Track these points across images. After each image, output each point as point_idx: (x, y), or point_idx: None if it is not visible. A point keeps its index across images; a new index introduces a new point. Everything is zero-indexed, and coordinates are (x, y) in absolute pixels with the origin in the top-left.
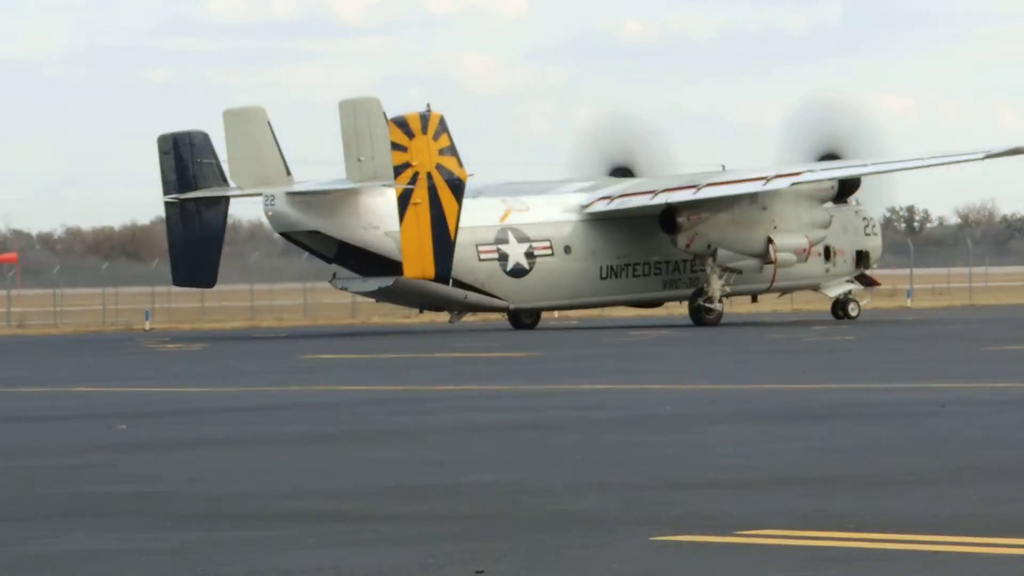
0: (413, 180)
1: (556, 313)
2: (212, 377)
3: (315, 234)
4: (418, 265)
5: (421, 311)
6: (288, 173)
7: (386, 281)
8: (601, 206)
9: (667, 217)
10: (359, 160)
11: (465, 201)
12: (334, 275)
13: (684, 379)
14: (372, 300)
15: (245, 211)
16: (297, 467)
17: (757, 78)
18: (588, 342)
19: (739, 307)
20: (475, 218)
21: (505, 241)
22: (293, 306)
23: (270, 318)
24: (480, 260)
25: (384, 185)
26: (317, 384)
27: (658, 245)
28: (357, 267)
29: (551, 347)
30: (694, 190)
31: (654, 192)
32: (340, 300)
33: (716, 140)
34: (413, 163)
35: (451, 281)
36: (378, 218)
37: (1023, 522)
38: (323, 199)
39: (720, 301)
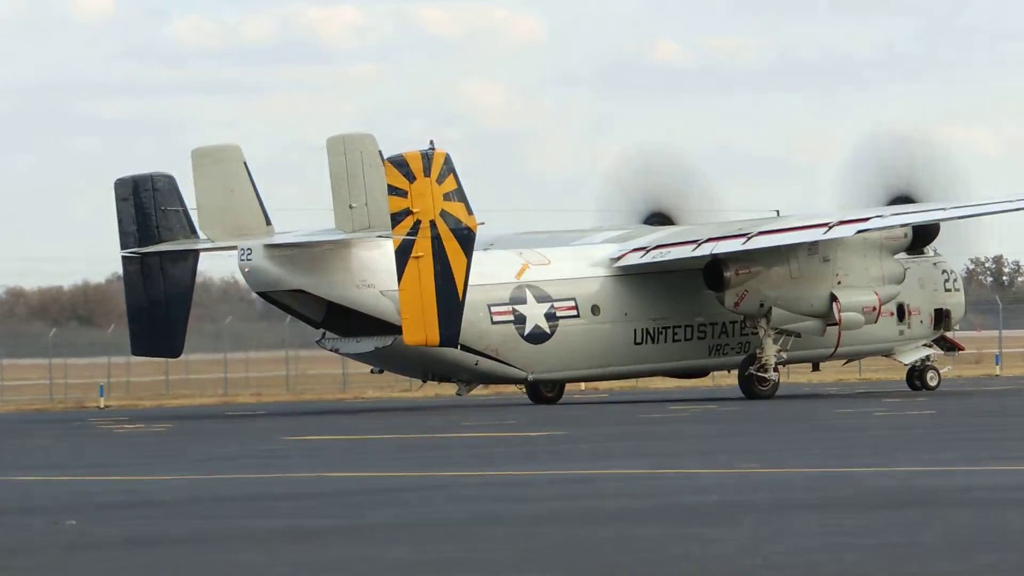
0: (414, 230)
1: (582, 385)
2: (178, 463)
3: (299, 293)
4: (420, 329)
5: (424, 381)
6: (267, 222)
7: (384, 340)
8: (634, 259)
9: (712, 271)
10: (351, 207)
11: (475, 254)
12: (323, 334)
13: (733, 462)
14: (367, 368)
15: (217, 267)
16: (275, 571)
17: (815, 109)
18: (620, 418)
19: (798, 376)
20: (487, 274)
21: (522, 300)
22: (273, 379)
23: (246, 393)
24: (493, 323)
25: (380, 236)
26: (301, 471)
27: (702, 304)
28: (348, 332)
29: (577, 424)
30: (743, 239)
31: (697, 242)
32: (328, 371)
33: (768, 181)
34: (414, 210)
35: (459, 346)
36: (373, 275)
37: None
38: (309, 253)
39: (775, 369)
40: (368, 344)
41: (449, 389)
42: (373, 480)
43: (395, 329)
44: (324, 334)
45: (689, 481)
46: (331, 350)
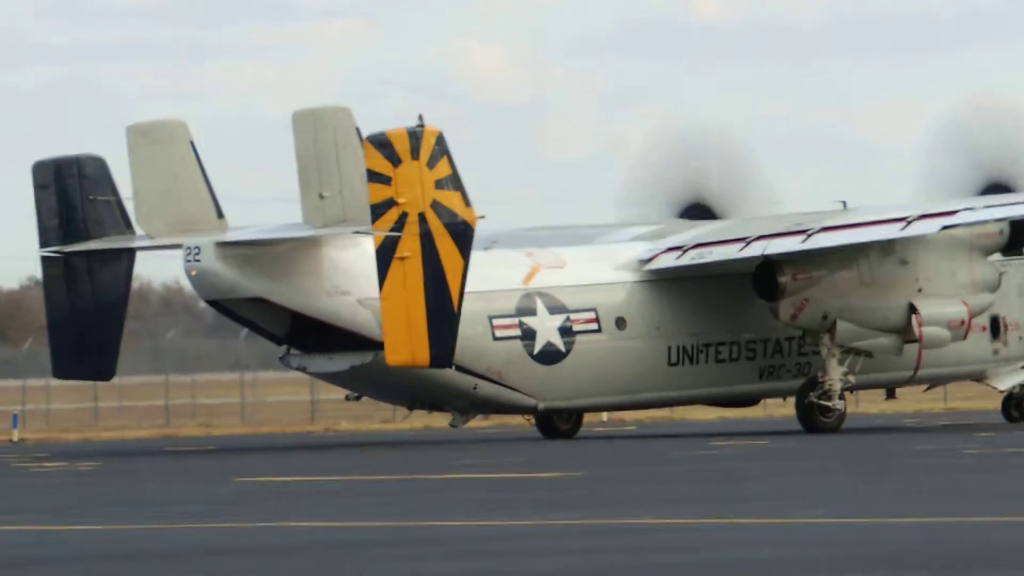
0: (399, 225)
1: (604, 415)
2: (109, 509)
3: (258, 303)
4: (405, 347)
5: (411, 409)
6: (219, 215)
7: (362, 357)
8: (669, 261)
9: (765, 276)
10: (321, 196)
11: (474, 255)
12: (286, 351)
13: (790, 509)
14: (341, 393)
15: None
16: None
17: (886, 78)
18: (652, 456)
19: (869, 405)
20: (488, 278)
21: (531, 311)
22: (226, 407)
23: (193, 424)
24: (495, 339)
25: (357, 232)
26: (259, 519)
27: (751, 316)
28: (318, 349)
29: (598, 464)
30: (803, 237)
31: (745, 240)
32: (293, 397)
33: (833, 165)
34: (399, 200)
35: (454, 367)
36: (349, 279)
37: None
38: (270, 253)
39: (841, 397)
40: (343, 362)
41: (442, 420)
42: (347, 532)
43: (375, 345)
44: (288, 351)
45: (737, 533)
46: (297, 369)
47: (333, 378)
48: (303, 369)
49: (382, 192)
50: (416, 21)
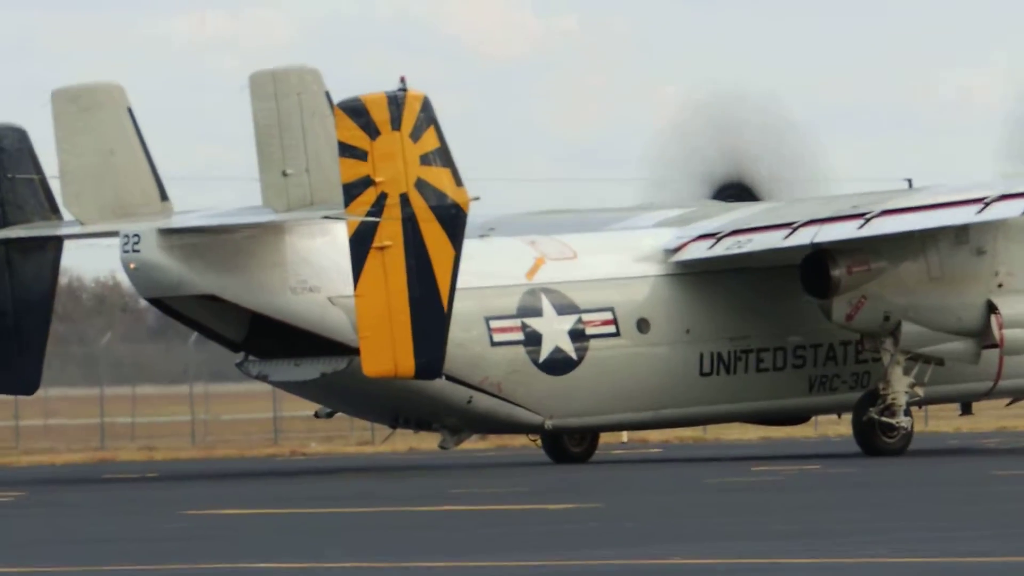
0: (378, 208)
1: (624, 435)
2: (32, 550)
3: (210, 301)
4: (386, 354)
5: (394, 428)
6: (163, 197)
7: (335, 363)
8: (700, 250)
9: (815, 269)
10: (285, 174)
11: (467, 244)
12: (244, 357)
13: (846, 547)
14: (310, 408)
15: (90, 262)
16: None
17: (962, 30)
18: (681, 484)
19: (940, 422)
20: (485, 272)
21: (536, 312)
22: (172, 426)
23: (132, 447)
24: (493, 344)
25: (328, 217)
26: (211, 560)
27: (799, 317)
28: (282, 355)
29: (617, 493)
30: (860, 222)
31: (792, 226)
32: (252, 414)
33: (896, 137)
34: (377, 179)
35: (444, 378)
36: (318, 273)
37: None
38: (223, 241)
39: (907, 413)
40: (312, 369)
41: (430, 441)
42: (318, 571)
43: (351, 351)
44: (247, 357)
45: (781, 574)
46: (257, 378)
47: (301, 389)
48: (264, 378)
49: (357, 169)
50: None
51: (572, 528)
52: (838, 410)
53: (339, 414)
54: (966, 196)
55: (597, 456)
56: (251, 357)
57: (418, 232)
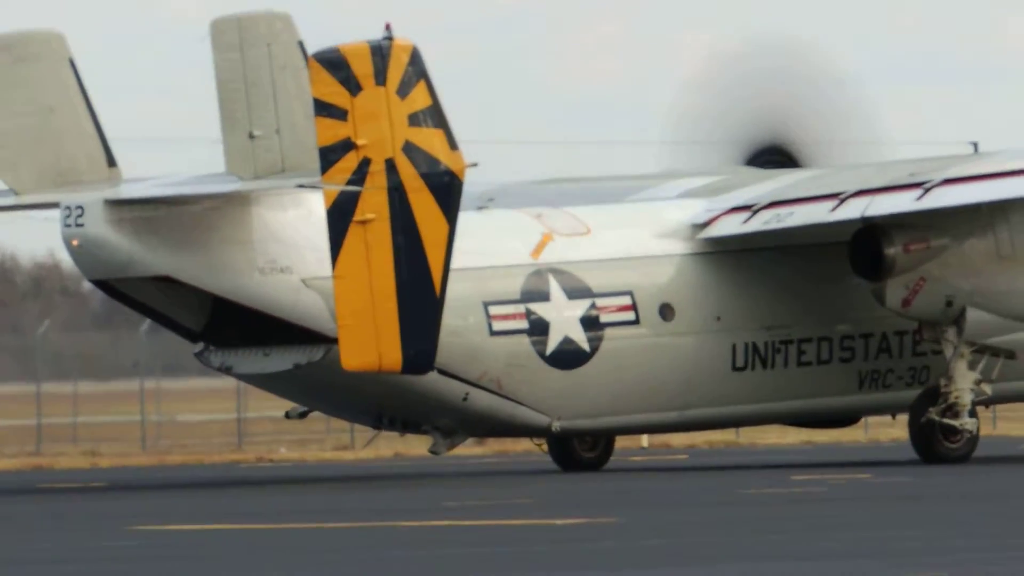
0: (359, 175)
1: (645, 439)
2: None
3: (165, 283)
4: (368, 346)
5: (377, 429)
6: (111, 163)
7: (311, 353)
8: (733, 225)
9: (866, 247)
10: (252, 136)
11: (464, 217)
12: (204, 347)
13: (903, 570)
14: (280, 407)
15: (25, 238)
16: None
17: None
18: (710, 496)
19: (1011, 424)
20: (484, 251)
21: (543, 296)
22: (119, 427)
23: (74, 452)
24: (493, 333)
25: (302, 186)
26: None
27: (848, 302)
28: (248, 344)
29: (636, 506)
30: (918, 192)
31: (839, 196)
32: (213, 415)
33: (961, 94)
34: (359, 142)
35: (436, 371)
36: (290, 251)
37: None
38: (181, 215)
39: (972, 414)
40: (283, 360)
41: (419, 445)
42: None
43: (327, 340)
44: (207, 347)
45: None
46: (220, 370)
47: (270, 383)
48: (228, 370)
49: (335, 130)
50: None
51: (583, 547)
52: (892, 410)
53: (314, 414)
54: None
55: (612, 463)
56: (212, 347)
57: (406, 204)
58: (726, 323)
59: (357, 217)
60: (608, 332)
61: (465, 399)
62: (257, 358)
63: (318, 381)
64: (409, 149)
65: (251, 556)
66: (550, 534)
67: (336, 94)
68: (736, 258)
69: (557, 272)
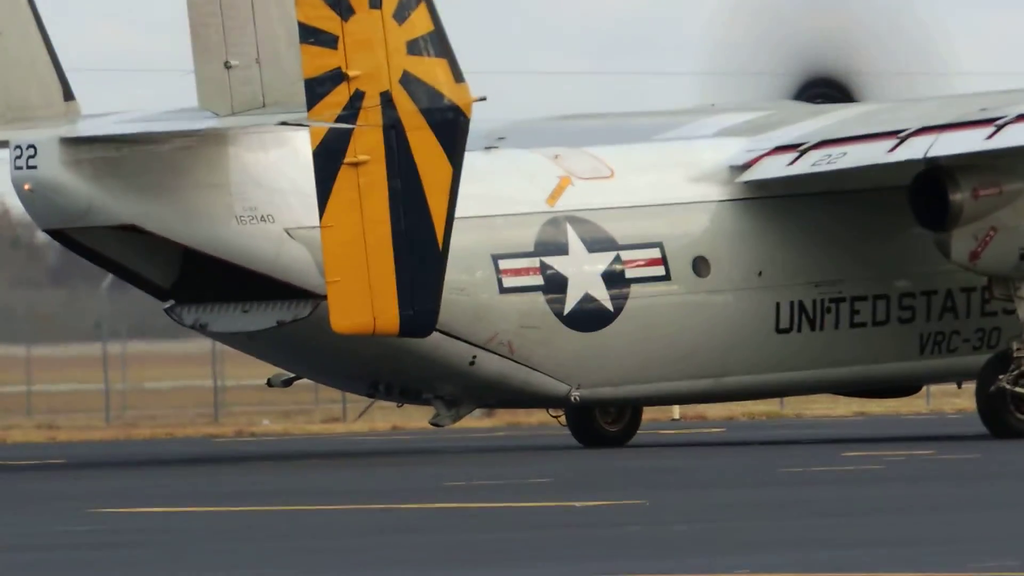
0: (351, 110)
1: (676, 409)
2: None
3: (130, 234)
4: (361, 303)
5: (372, 398)
6: (67, 96)
7: (297, 309)
8: (777, 167)
9: (929, 191)
10: (228, 66)
11: (471, 159)
12: (176, 303)
13: (967, 558)
14: (262, 373)
15: None
16: None
17: None
18: (749, 474)
19: None
20: (493, 196)
21: (560, 248)
22: (80, 396)
23: (28, 425)
24: (503, 290)
25: (285, 123)
26: (130, 572)
27: (908, 255)
28: (224, 301)
29: (665, 486)
30: (989, 130)
31: (898, 135)
32: (186, 381)
33: None
34: (351, 72)
35: (439, 333)
36: (272, 198)
37: None
38: (147, 156)
39: None
40: (265, 316)
41: (420, 416)
42: None
43: (314, 298)
44: (178, 303)
45: None
46: (193, 327)
47: (250, 344)
48: (203, 328)
49: (323, 59)
50: None
51: (607, 533)
52: (957, 377)
53: (300, 381)
54: None
55: (639, 438)
56: (184, 303)
57: (405, 143)
58: (769, 279)
59: (348, 159)
60: (634, 289)
61: (472, 363)
62: (235, 315)
63: (305, 341)
64: (408, 81)
65: (228, 543)
66: (568, 518)
67: (324, 18)
68: (780, 205)
69: (576, 221)
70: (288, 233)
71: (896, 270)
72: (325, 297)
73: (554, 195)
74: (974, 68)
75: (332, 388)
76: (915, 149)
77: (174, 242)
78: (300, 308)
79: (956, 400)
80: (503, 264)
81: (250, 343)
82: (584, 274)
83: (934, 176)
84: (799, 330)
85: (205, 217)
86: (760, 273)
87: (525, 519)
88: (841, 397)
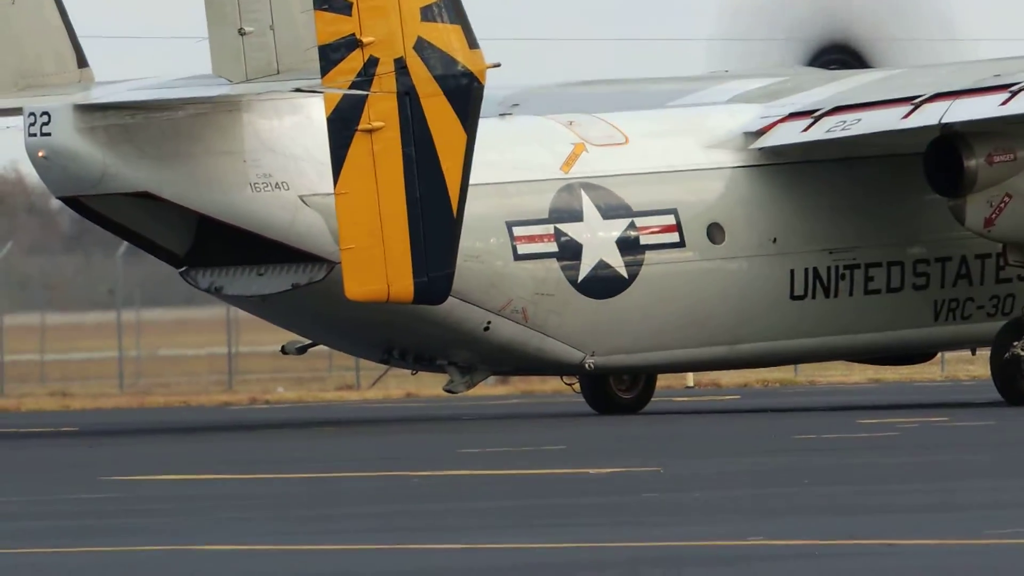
0: (365, 76)
1: (690, 377)
2: None
3: (144, 200)
4: (375, 270)
5: (386, 364)
6: (81, 63)
7: (311, 273)
8: (792, 133)
9: (943, 158)
10: (242, 32)
11: (485, 125)
12: (188, 268)
13: (983, 525)
14: (277, 339)
15: None
16: None
17: None
18: (764, 441)
19: None
20: (508, 163)
21: (575, 215)
22: (93, 365)
23: (41, 392)
24: (518, 257)
25: (300, 89)
26: (144, 540)
27: (922, 222)
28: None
29: (680, 453)
30: (1003, 96)
31: (913, 101)
32: (199, 350)
33: None
34: (365, 39)
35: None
36: (286, 164)
37: None
38: (161, 122)
39: None
40: (280, 280)
41: (433, 383)
42: (283, 561)
43: (327, 269)
44: (191, 268)
45: (898, 560)
46: (208, 291)
47: (264, 308)
48: (218, 291)
49: (337, 26)
50: None
51: (621, 500)
52: (972, 344)
53: (315, 349)
54: None
55: (653, 405)
56: (196, 269)
57: (419, 110)
58: (783, 245)
59: (363, 125)
60: (649, 256)
61: (487, 328)
62: (251, 278)
63: (319, 307)
64: (422, 47)
65: (242, 510)
66: (583, 485)
67: None
68: (795, 171)
69: (591, 187)
70: (303, 200)
71: (910, 237)
72: (339, 263)
73: (568, 162)
74: (989, 34)
75: (346, 354)
76: (930, 115)
77: (188, 209)
78: (315, 272)
79: (970, 367)
80: (517, 231)
81: (265, 307)
82: (599, 241)
83: (949, 142)
84: (813, 297)
85: (219, 184)
86: (774, 240)
87: (539, 486)
88: (855, 364)
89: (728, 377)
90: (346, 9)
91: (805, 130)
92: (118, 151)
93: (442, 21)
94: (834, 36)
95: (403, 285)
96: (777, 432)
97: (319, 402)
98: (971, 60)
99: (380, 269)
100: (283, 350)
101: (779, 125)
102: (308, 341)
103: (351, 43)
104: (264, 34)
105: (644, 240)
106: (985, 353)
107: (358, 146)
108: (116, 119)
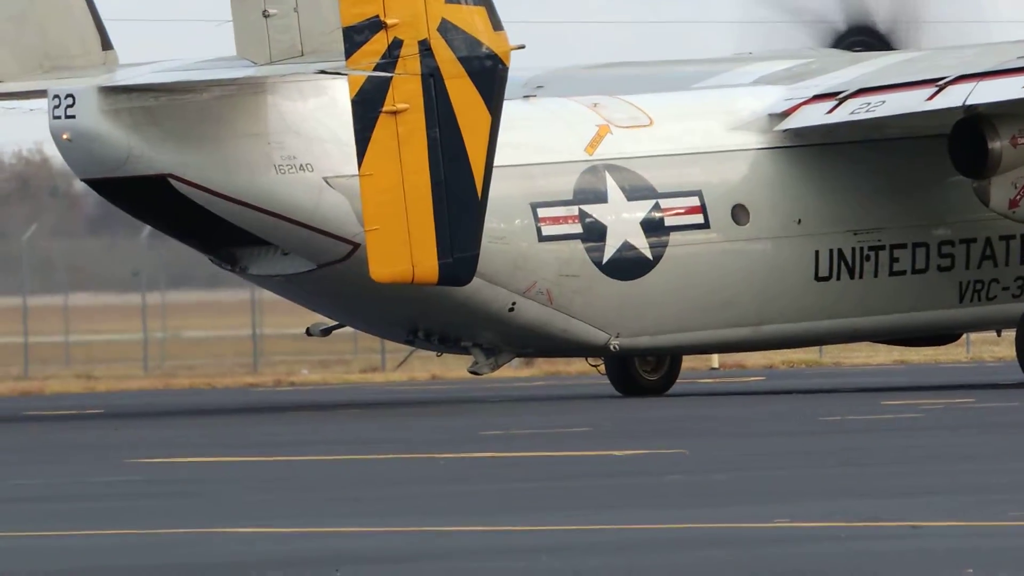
0: (390, 59)
1: (715, 359)
2: None
3: (167, 184)
4: (399, 253)
5: (412, 345)
6: (106, 45)
7: (336, 250)
8: (816, 115)
9: (968, 139)
10: (266, 14)
11: (510, 107)
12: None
13: (1007, 508)
14: (302, 321)
15: (9, 131)
16: None
17: None
18: (788, 423)
19: None
20: (532, 145)
21: (599, 196)
22: (118, 347)
23: (67, 374)
24: (543, 238)
25: (324, 72)
26: (170, 524)
27: (947, 203)
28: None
29: (705, 435)
30: None
31: (937, 83)
32: (224, 332)
33: None
34: (389, 21)
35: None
36: (310, 146)
37: None
38: (185, 105)
39: None
40: (304, 260)
41: (458, 365)
42: (312, 543)
43: (352, 251)
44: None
45: (922, 542)
46: (234, 271)
47: (289, 289)
48: (243, 271)
49: (362, 7)
50: None
51: (645, 481)
52: (997, 325)
53: (339, 331)
54: None
55: (678, 387)
56: (223, 255)
57: (443, 91)
58: (808, 227)
59: (387, 107)
60: (673, 237)
61: (512, 309)
62: (276, 258)
63: (343, 287)
64: (446, 29)
65: (266, 492)
66: (608, 467)
67: None
68: (819, 153)
69: (615, 169)
70: (327, 182)
71: (935, 218)
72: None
73: (593, 143)
74: (1013, 16)
75: (371, 335)
76: (954, 97)
77: (213, 192)
78: (339, 250)
79: (995, 348)
80: (542, 212)
81: (289, 288)
82: (623, 222)
83: (973, 124)
84: (838, 278)
85: (244, 166)
86: (799, 221)
87: (564, 468)
88: (880, 345)
89: (753, 359)
90: None
91: (829, 112)
92: (142, 133)
93: (466, 3)
94: (858, 18)
95: (428, 266)
96: (802, 414)
97: (344, 384)
98: (995, 42)
99: (405, 250)
100: (308, 332)
101: (803, 107)
102: (333, 323)
103: (375, 25)
104: (288, 16)
105: (669, 221)
106: (1010, 334)
107: (383, 128)
108: (140, 101)
